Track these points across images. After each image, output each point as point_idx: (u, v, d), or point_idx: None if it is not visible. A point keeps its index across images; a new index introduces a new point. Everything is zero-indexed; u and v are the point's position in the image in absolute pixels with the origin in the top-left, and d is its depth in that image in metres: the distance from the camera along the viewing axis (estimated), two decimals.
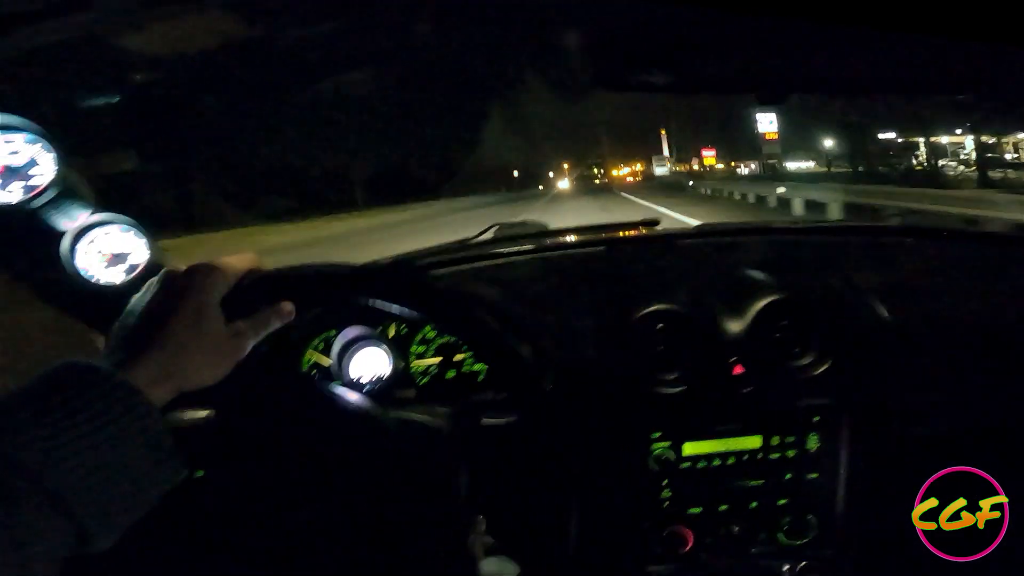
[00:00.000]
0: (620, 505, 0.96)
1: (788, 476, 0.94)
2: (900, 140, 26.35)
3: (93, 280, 0.83)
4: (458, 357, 1.06)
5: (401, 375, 1.02)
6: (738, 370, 0.92)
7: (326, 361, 1.05)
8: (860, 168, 22.90)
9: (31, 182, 0.69)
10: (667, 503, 0.95)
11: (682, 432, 0.94)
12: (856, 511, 0.95)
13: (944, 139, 25.14)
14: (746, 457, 0.94)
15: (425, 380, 1.07)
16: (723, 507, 0.95)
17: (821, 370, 0.92)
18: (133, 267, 0.85)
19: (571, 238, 1.28)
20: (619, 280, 1.09)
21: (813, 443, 0.94)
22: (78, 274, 0.81)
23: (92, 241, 0.83)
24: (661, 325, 0.97)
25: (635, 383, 0.95)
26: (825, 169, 26.36)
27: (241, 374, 0.96)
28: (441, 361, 1.07)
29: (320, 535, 0.84)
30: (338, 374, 1.01)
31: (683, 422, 0.94)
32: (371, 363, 1.01)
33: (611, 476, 0.96)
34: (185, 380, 0.57)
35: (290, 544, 0.83)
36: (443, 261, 1.18)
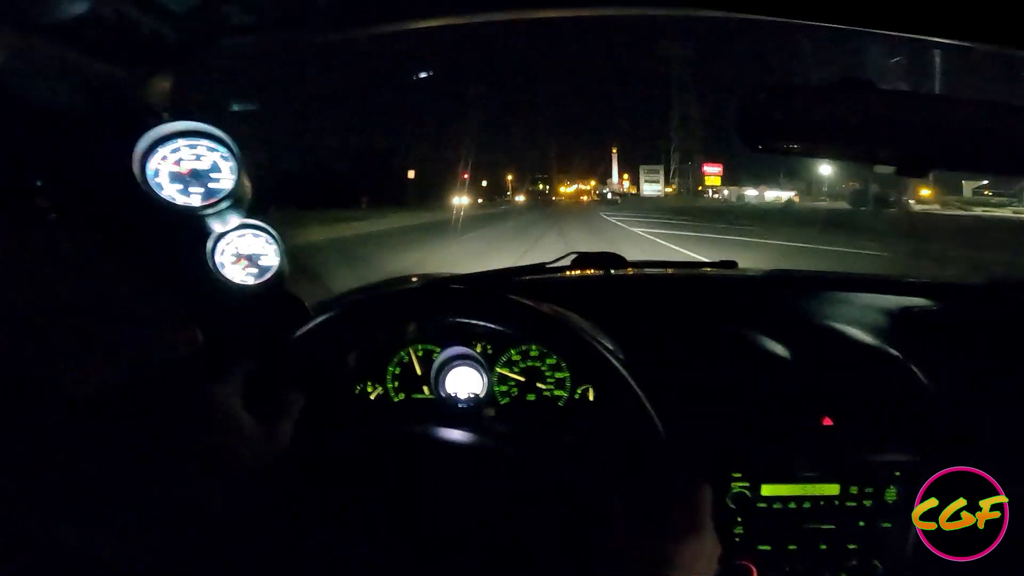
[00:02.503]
0: None
1: (861, 523, 1.00)
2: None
3: (228, 279, 0.88)
4: (540, 384, 1.13)
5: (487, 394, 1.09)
6: (827, 421, 0.99)
7: (418, 369, 1.11)
8: None
9: (211, 186, 0.74)
10: (738, 539, 1.02)
11: (763, 474, 1.00)
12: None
13: None
14: (822, 503, 1.00)
15: (506, 401, 1.13)
16: (792, 547, 1.02)
17: (907, 427, 1.00)
18: (264, 270, 0.91)
19: (651, 271, 1.35)
20: (705, 318, 1.16)
21: (891, 495, 1.00)
22: (217, 272, 0.87)
23: (230, 243, 0.88)
24: (753, 367, 1.04)
25: (722, 422, 1.02)
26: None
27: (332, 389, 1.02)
28: (524, 383, 1.13)
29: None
30: (432, 387, 1.07)
31: (765, 465, 1.00)
32: (464, 380, 1.08)
33: None
34: None
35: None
36: (526, 284, 1.24)
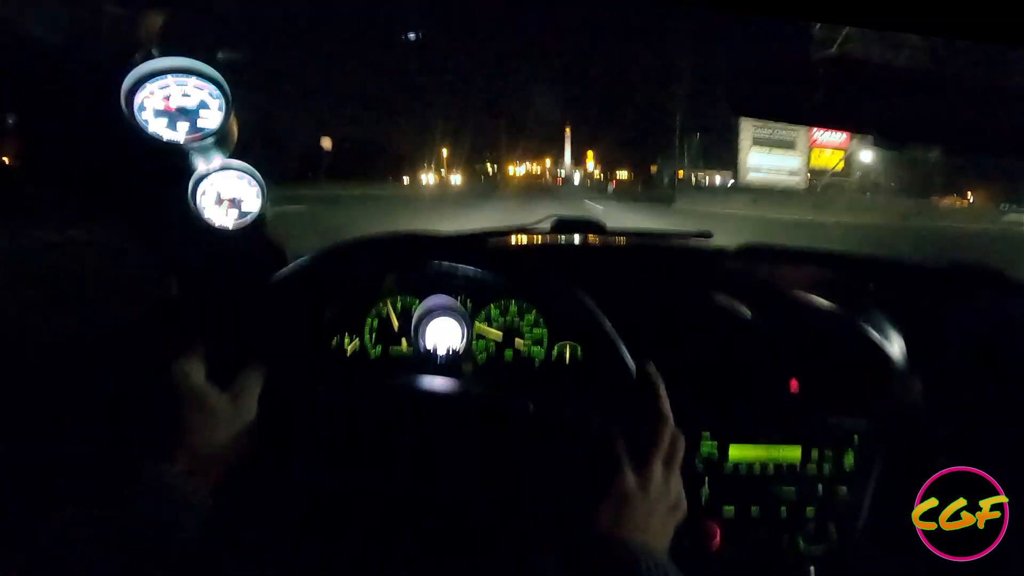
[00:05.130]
0: None
1: (820, 488, 1.08)
2: None
3: (207, 221, 0.93)
4: (518, 340, 1.18)
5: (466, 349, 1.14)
6: (793, 385, 1.06)
7: (395, 322, 1.16)
8: None
9: (198, 123, 0.79)
10: (704, 500, 1.09)
11: (730, 435, 1.07)
12: (869, 518, 1.09)
13: None
14: (785, 467, 1.08)
15: (483, 357, 1.18)
16: (755, 509, 1.09)
17: (865, 394, 1.07)
18: (244, 214, 0.95)
19: (625, 240, 1.42)
20: (679, 285, 1.22)
21: (849, 461, 1.07)
22: (197, 213, 0.91)
23: (212, 184, 0.92)
24: (724, 332, 1.11)
25: (695, 382, 1.08)
26: None
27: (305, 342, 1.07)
28: (501, 341, 1.19)
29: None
30: (412, 340, 1.12)
31: (733, 426, 1.07)
32: (443, 334, 1.13)
33: None
34: None
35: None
36: (507, 244, 1.30)
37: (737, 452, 1.08)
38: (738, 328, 1.13)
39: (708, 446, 1.08)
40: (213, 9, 0.80)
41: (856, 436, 1.07)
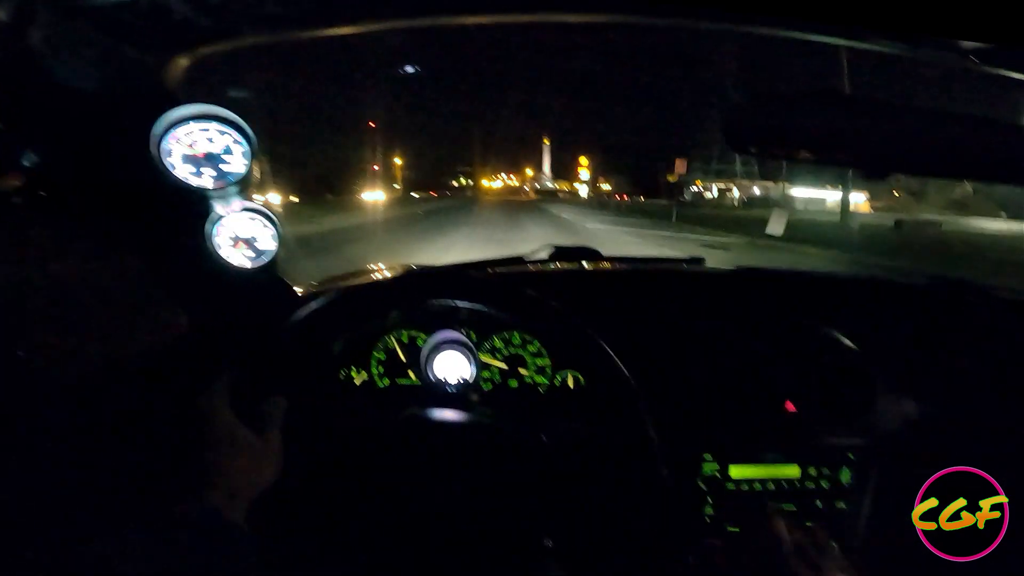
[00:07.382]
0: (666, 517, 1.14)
1: (819, 504, 1.14)
2: None
3: (225, 260, 0.95)
4: (522, 371, 1.22)
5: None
6: (789, 407, 1.13)
7: (401, 355, 1.19)
8: None
9: (223, 168, 0.81)
10: (708, 520, 1.14)
11: (731, 456, 1.13)
12: (868, 529, 1.14)
13: None
14: (784, 484, 1.14)
15: (488, 387, 1.22)
16: (756, 526, 1.15)
17: (859, 412, 1.15)
18: (260, 253, 0.97)
19: (625, 266, 1.48)
20: (676, 311, 1.28)
21: (846, 477, 1.14)
22: (215, 254, 0.93)
23: (226, 225, 0.94)
24: (721, 356, 1.17)
25: (695, 408, 1.14)
26: None
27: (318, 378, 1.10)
28: (506, 370, 1.22)
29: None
30: (421, 372, 1.15)
31: (733, 447, 1.13)
32: (451, 366, 1.16)
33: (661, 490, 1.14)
34: None
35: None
36: (505, 275, 1.34)
37: (738, 472, 1.13)
38: (733, 351, 1.19)
39: (711, 468, 1.13)
40: (237, 54, 0.82)
41: (851, 454, 1.14)
